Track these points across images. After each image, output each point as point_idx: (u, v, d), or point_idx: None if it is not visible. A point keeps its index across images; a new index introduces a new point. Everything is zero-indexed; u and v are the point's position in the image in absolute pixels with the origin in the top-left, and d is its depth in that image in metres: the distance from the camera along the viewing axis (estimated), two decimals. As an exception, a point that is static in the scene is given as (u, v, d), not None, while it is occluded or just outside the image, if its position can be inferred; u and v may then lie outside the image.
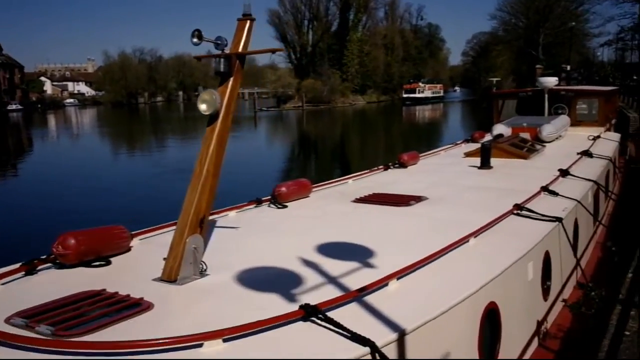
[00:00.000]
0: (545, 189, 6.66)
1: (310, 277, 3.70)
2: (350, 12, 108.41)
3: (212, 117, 3.83)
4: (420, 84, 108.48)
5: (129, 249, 4.37)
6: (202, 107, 3.77)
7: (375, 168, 9.03)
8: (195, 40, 3.67)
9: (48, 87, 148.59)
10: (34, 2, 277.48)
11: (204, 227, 3.75)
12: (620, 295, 4.74)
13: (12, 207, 19.36)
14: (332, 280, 3.63)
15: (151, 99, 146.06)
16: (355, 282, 3.51)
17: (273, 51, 3.85)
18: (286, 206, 6.11)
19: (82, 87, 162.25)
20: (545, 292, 5.17)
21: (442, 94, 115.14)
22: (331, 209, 6.05)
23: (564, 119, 12.87)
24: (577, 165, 8.70)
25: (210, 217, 5.42)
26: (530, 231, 5.12)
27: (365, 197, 6.44)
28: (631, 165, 14.65)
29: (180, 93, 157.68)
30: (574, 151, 9.91)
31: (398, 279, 3.58)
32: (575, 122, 13.55)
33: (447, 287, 3.70)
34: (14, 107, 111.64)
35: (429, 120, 70.85)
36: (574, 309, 5.25)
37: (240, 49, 3.88)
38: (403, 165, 9.13)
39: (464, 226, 4.91)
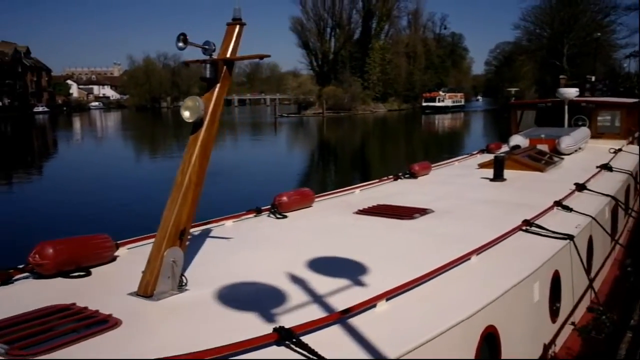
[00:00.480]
0: (558, 204, 6.36)
1: (296, 296, 3.49)
2: (373, 20, 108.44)
3: (196, 125, 3.66)
4: (441, 92, 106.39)
5: (113, 259, 4.21)
6: (185, 114, 3.60)
7: (385, 178, 8.80)
8: (180, 44, 3.50)
9: (74, 90, 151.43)
10: (63, 7, 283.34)
11: (185, 240, 3.56)
12: (632, 321, 4.43)
13: (26, 210, 19.49)
14: (318, 299, 3.41)
15: (174, 103, 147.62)
16: (341, 302, 3.29)
17: (261, 57, 3.66)
18: (286, 216, 5.91)
19: (108, 91, 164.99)
20: (554, 314, 4.88)
21: (462, 103, 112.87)
22: (331, 221, 5.83)
23: (584, 131, 12.48)
24: (595, 179, 8.35)
25: (205, 227, 5.28)
26: (539, 249, 4.85)
27: (369, 209, 6.22)
28: None
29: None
30: (593, 164, 9.56)
31: (387, 299, 3.35)
32: (596, 135, 13.14)
33: (441, 309, 3.45)
34: (40, 109, 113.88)
35: (448, 129, 69.72)
36: (584, 332, 4.95)
37: (228, 55, 3.71)
38: (414, 175, 8.88)
39: (468, 242, 4.66)
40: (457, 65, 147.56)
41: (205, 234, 5.04)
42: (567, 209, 6.25)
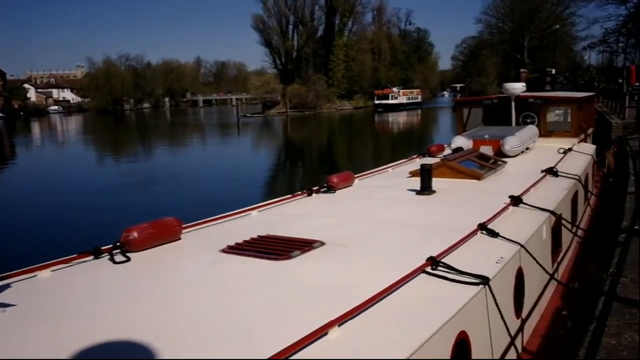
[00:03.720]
0: (483, 227, 5.14)
1: None
2: (336, 17, 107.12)
3: None
4: (394, 89, 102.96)
5: None
6: None
7: (299, 192, 7.49)
8: None
9: (32, 94, 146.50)
10: (23, 8, 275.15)
11: None
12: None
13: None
14: None
15: (137, 105, 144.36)
16: None
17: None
18: (129, 259, 4.53)
19: (68, 94, 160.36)
20: None
21: (419, 100, 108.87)
22: (184, 264, 4.48)
23: (531, 129, 11.41)
24: (536, 188, 7.20)
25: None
26: (438, 304, 3.60)
27: (244, 243, 4.88)
28: (609, 180, 13.17)
29: (167, 99, 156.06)
30: (538, 168, 8.45)
31: None
32: (546, 133, 12.11)
33: None
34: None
35: (402, 128, 66.95)
36: None
37: None
38: (331, 188, 7.60)
39: (344, 298, 3.41)
40: (424, 60, 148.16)
41: None
42: (493, 234, 5.05)
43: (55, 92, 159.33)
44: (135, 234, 4.70)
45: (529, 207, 6.19)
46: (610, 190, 12.10)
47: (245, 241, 4.95)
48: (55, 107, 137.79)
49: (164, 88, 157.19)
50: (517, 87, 12.25)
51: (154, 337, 2.97)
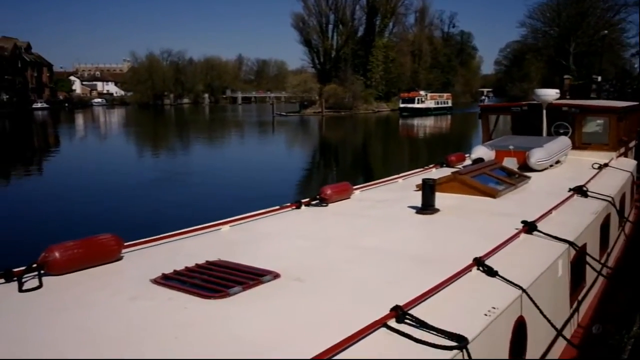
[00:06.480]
0: (479, 263, 4.18)
1: None
2: (377, 18, 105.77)
3: None
4: (422, 92, 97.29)
5: None
6: None
7: (287, 204, 6.63)
8: None
9: (77, 86, 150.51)
10: (75, 3, 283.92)
11: None
12: None
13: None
14: None
15: (177, 100, 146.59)
16: None
17: None
18: (41, 285, 3.76)
19: (112, 87, 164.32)
20: None
21: (449, 105, 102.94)
22: (95, 300, 3.65)
23: (562, 141, 10.24)
24: (558, 212, 6.14)
25: None
26: None
27: (182, 272, 4.03)
28: None
29: (206, 95, 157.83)
30: (566, 186, 7.37)
31: None
32: (580, 145, 10.92)
33: None
34: (39, 105, 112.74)
35: (429, 134, 64.06)
36: None
37: None
38: (323, 201, 6.72)
39: None
40: (466, 64, 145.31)
41: None
42: (490, 272, 4.08)
43: (99, 85, 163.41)
44: (57, 254, 3.94)
45: (545, 235, 5.17)
46: None
47: (187, 268, 4.12)
48: (99, 100, 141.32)
49: (204, 84, 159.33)
50: (550, 94, 11.08)
51: None
